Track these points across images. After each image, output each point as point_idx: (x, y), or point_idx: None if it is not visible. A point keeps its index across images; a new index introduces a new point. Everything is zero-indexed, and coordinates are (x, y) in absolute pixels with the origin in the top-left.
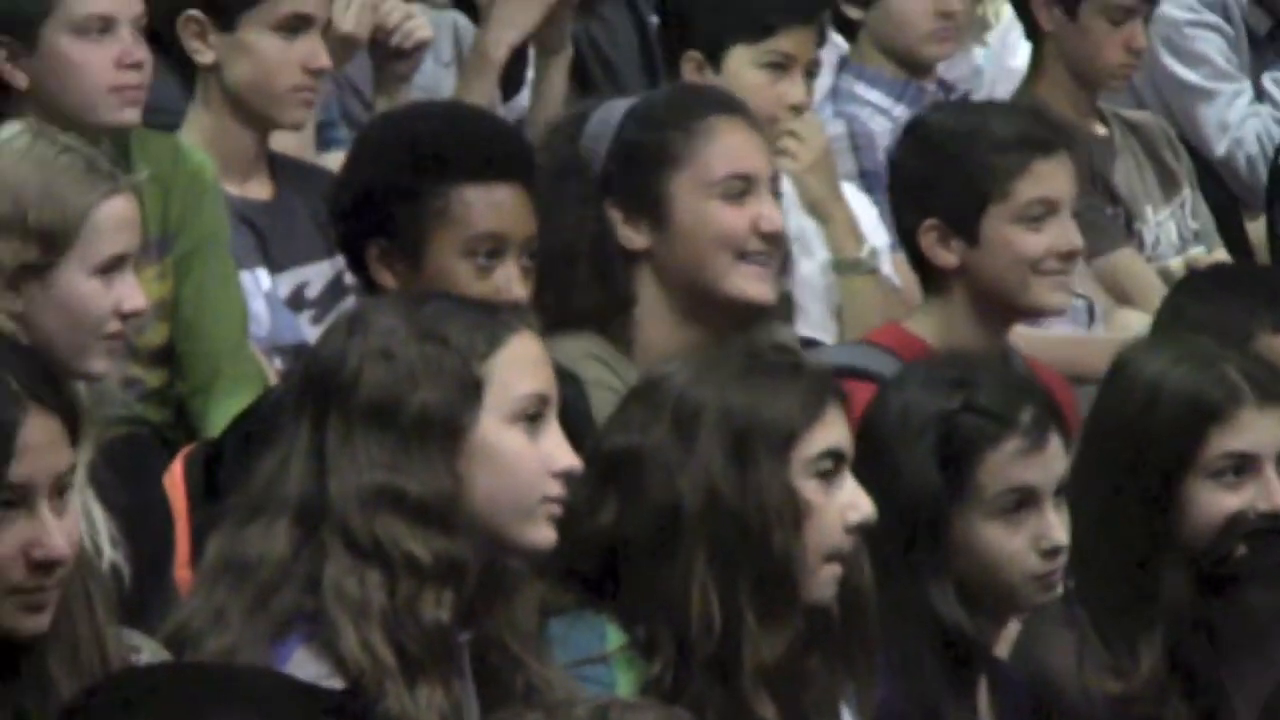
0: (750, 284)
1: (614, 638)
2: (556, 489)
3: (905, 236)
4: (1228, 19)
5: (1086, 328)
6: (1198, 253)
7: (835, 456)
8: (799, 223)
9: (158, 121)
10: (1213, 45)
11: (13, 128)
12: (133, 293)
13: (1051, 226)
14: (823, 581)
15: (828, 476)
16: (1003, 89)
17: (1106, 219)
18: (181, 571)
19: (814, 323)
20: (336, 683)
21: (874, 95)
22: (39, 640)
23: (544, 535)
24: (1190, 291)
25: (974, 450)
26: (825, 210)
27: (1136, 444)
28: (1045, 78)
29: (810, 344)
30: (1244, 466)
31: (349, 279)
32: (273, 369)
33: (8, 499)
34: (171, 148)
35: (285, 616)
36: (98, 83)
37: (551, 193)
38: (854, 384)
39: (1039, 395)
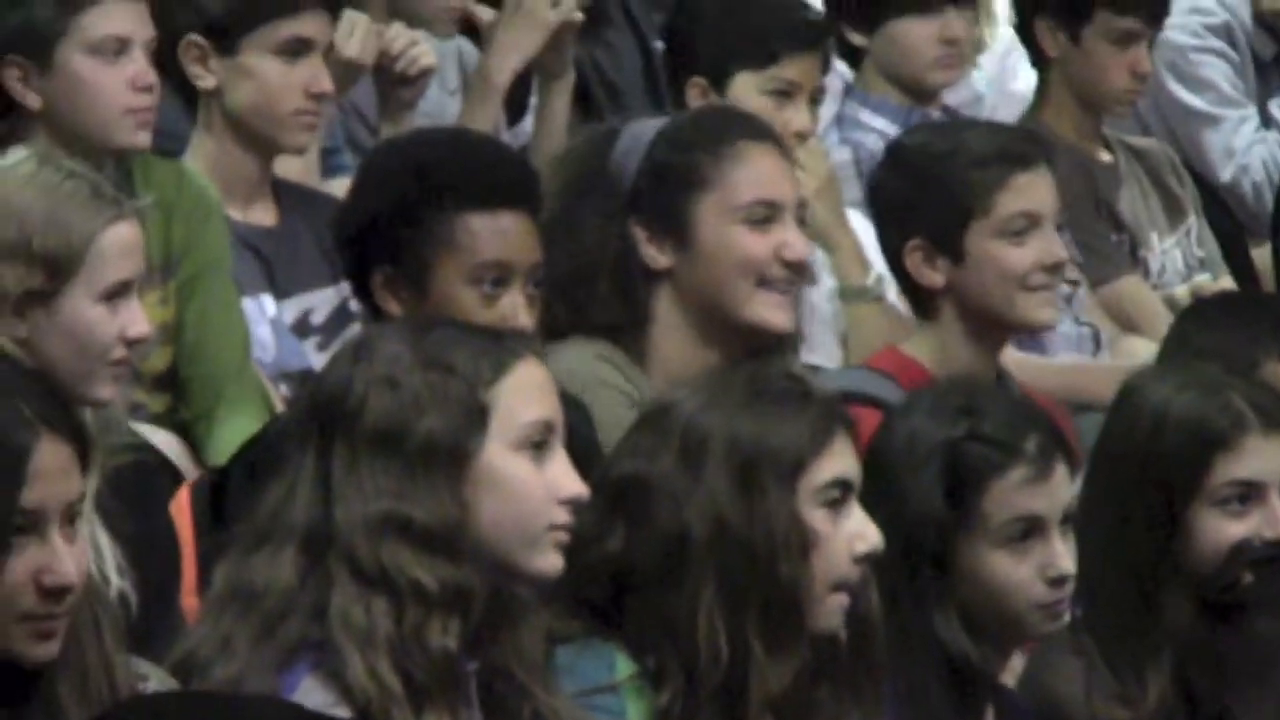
0: (770, 311)
1: (623, 667)
2: (563, 516)
3: (891, 259)
4: (1233, 45)
5: (1092, 355)
6: (1203, 280)
7: (843, 486)
8: None
9: (161, 146)
10: (1218, 71)
11: (18, 153)
12: (138, 319)
13: (1035, 240)
14: (830, 611)
15: (835, 506)
16: (1004, 114)
17: (1111, 246)
18: (188, 599)
19: (820, 350)
20: (343, 711)
21: (879, 122)
22: (48, 668)
23: (551, 563)
24: (1196, 319)
25: (979, 479)
26: (831, 237)
27: (1142, 471)
28: (1050, 104)
29: (811, 370)
30: (1249, 494)
31: (354, 306)
32: (278, 396)
33: (19, 525)
34: (174, 173)
35: (292, 645)
36: (112, 104)
37: (575, 206)
38: (858, 410)
39: (1044, 424)
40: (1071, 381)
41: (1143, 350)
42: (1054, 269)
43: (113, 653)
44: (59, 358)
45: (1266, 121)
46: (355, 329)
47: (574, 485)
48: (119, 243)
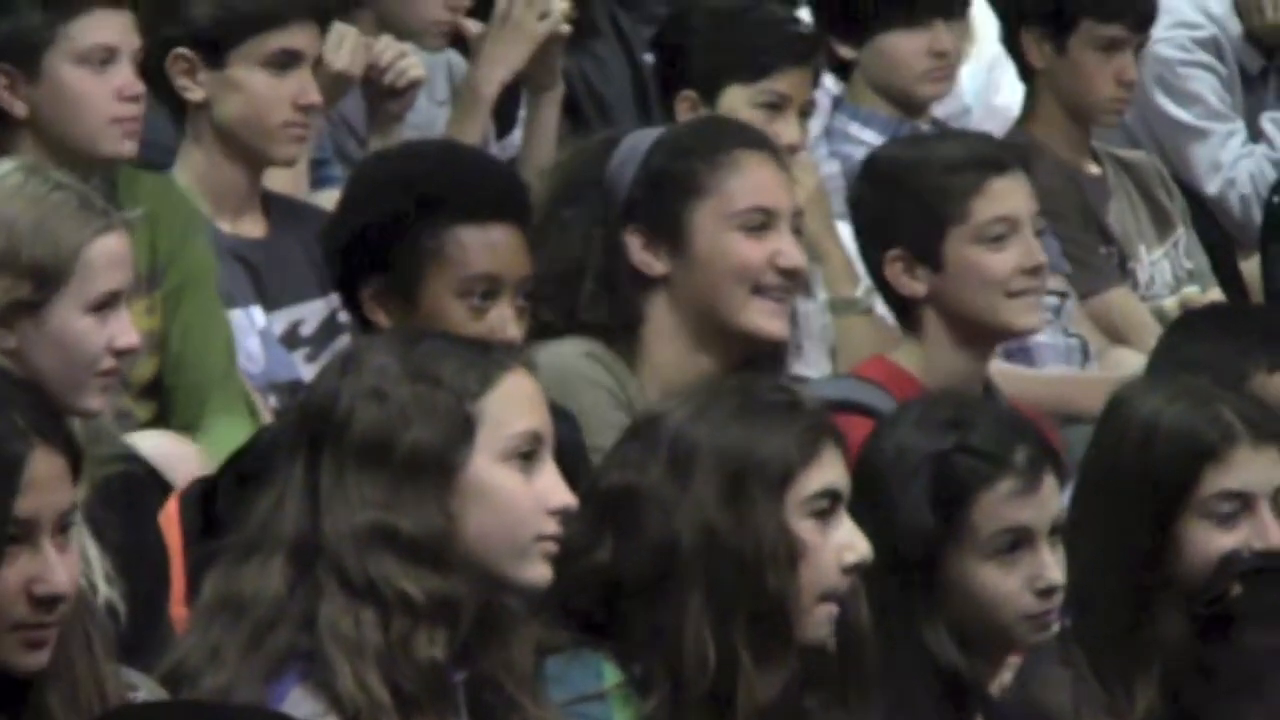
0: (764, 319)
1: (610, 675)
2: (552, 527)
3: (873, 271)
4: (1221, 58)
5: (1081, 367)
6: (1192, 292)
7: (831, 496)
8: None
9: (150, 159)
10: (1206, 84)
11: (5, 165)
12: (126, 330)
13: (1014, 244)
14: (818, 621)
15: (824, 516)
16: (989, 128)
17: (1100, 258)
18: (177, 609)
19: (810, 362)
20: None
21: (868, 135)
22: (38, 677)
23: (539, 573)
24: (1185, 331)
25: (968, 491)
26: (820, 250)
27: (1131, 483)
28: (1039, 117)
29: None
30: (1239, 506)
31: (343, 317)
32: (267, 407)
33: (12, 534)
34: (159, 184)
35: (281, 655)
36: (99, 114)
37: (565, 210)
38: (849, 419)
39: (1033, 436)
40: (1060, 393)
41: (1131, 362)
42: (1034, 272)
43: (103, 662)
44: (48, 368)
45: (1254, 135)
46: (344, 341)
47: (563, 496)
48: (107, 254)
